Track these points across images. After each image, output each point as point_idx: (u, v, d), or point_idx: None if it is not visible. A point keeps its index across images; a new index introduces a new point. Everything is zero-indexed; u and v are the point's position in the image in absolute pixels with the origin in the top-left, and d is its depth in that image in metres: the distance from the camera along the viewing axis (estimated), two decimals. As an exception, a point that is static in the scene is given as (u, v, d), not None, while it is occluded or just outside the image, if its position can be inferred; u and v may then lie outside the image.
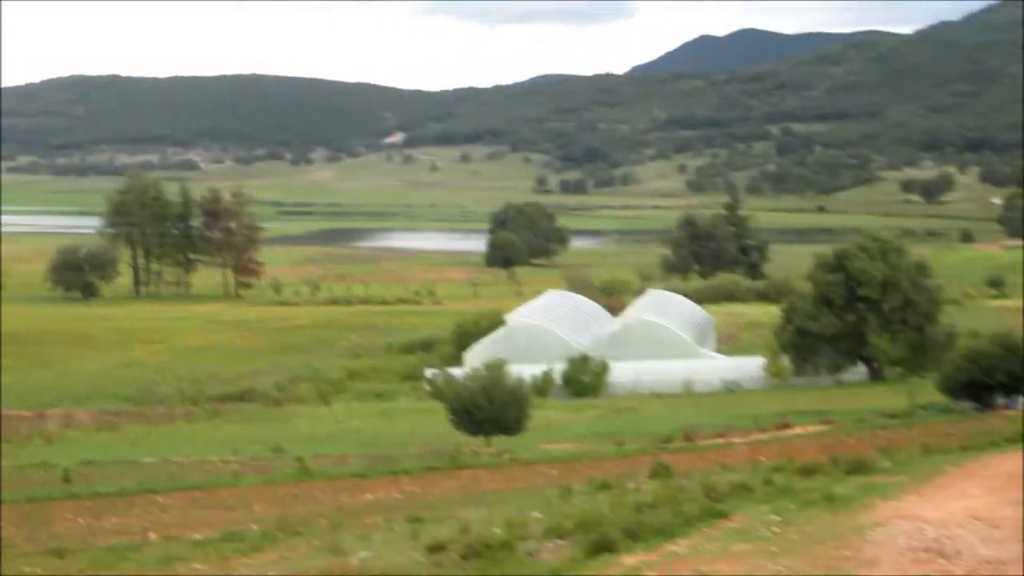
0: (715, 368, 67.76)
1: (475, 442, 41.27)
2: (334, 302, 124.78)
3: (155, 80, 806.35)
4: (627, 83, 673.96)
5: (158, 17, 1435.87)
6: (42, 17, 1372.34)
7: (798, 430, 39.89)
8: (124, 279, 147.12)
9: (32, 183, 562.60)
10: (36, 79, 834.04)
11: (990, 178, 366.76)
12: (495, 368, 43.56)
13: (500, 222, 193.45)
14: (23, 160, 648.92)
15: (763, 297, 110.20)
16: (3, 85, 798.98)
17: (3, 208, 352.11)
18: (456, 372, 59.52)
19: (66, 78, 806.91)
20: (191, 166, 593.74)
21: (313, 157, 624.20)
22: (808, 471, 23.66)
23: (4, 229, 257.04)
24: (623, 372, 66.84)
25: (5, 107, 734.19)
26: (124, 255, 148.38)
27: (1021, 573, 13.81)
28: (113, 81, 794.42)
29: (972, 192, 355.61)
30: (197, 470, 37.41)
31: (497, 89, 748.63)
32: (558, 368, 66.51)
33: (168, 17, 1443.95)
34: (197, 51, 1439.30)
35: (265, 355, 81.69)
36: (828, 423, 41.27)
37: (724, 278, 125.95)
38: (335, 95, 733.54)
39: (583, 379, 66.28)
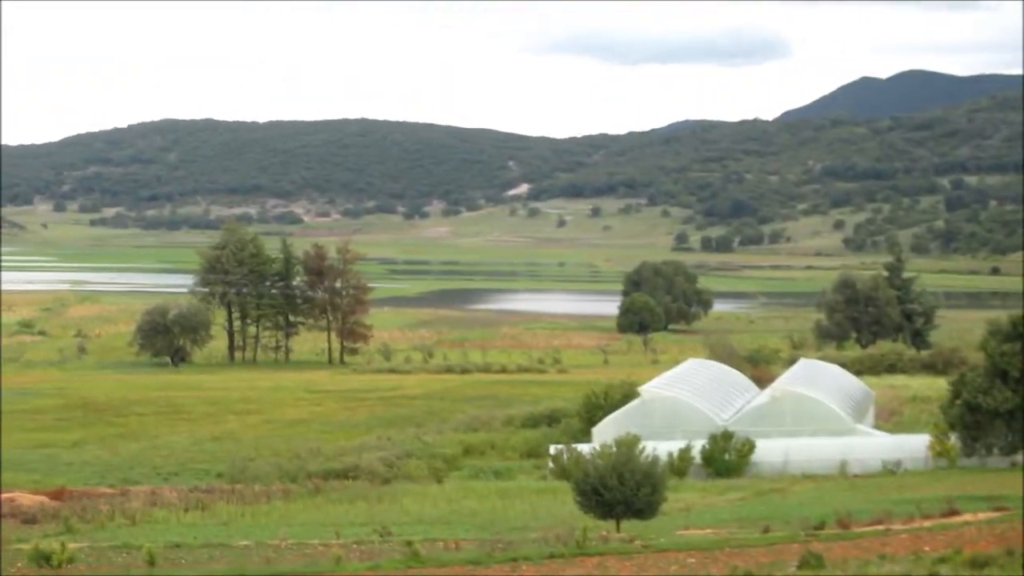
0: (874, 447, 67.19)
1: (604, 526, 41.42)
2: (449, 370, 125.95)
3: (254, 125, 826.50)
4: (778, 129, 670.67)
5: (257, 56, 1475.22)
6: (131, 56, 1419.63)
7: (967, 517, 39.37)
8: (218, 343, 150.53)
9: (118, 237, 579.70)
10: (124, 123, 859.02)
11: None
12: (627, 444, 43.82)
13: (634, 283, 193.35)
14: (109, 212, 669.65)
15: (929, 368, 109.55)
16: (90, 129, 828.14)
17: (88, 264, 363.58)
18: (583, 449, 59.72)
19: (157, 122, 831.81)
20: (293, 219, 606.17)
21: (428, 210, 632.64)
22: (978, 563, 23.46)
23: (88, 287, 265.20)
24: (770, 450, 66.65)
25: (90, 154, 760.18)
26: (218, 317, 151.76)
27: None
28: (208, 125, 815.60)
29: None
30: (295, 555, 37.99)
31: (632, 136, 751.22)
32: (697, 445, 66.56)
33: (267, 56, 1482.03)
34: (300, 93, 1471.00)
35: (372, 428, 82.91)
36: (1001, 510, 40.63)
37: (885, 347, 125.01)
38: (453, 142, 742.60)
39: (725, 458, 66.27)
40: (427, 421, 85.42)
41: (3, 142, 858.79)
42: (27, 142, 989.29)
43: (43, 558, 34.45)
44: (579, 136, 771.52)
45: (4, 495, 57.07)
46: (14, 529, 48.11)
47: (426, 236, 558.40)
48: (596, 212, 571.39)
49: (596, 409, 76.12)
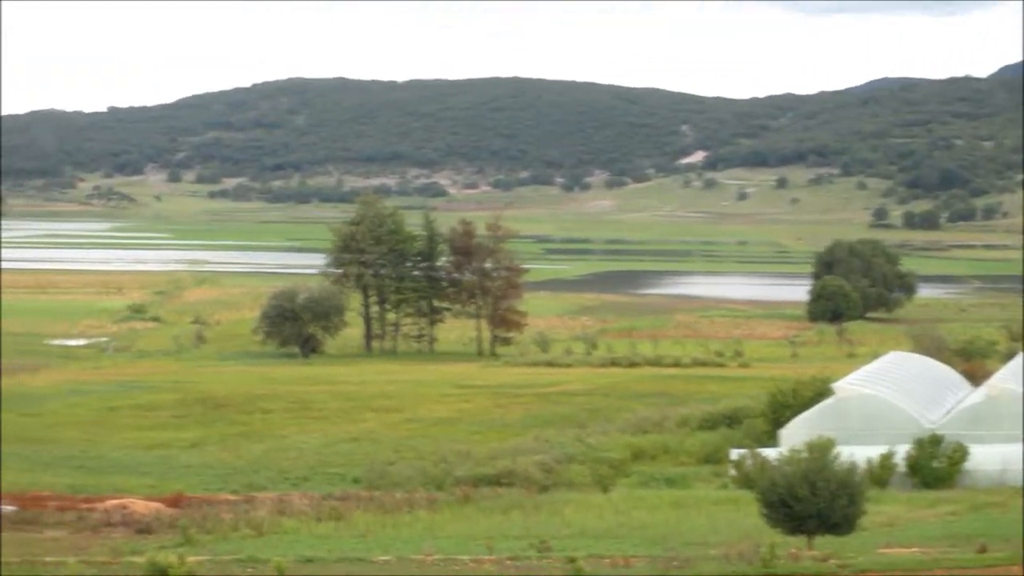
0: (1112, 454, 65.82)
1: (793, 543, 41.30)
2: (614, 363, 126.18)
3: (392, 84, 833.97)
4: (993, 88, 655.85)
5: (394, 9, 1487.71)
6: (254, 8, 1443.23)
7: None
8: (353, 331, 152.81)
9: (241, 211, 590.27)
10: (247, 83, 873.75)
11: None
12: (820, 449, 43.54)
13: (826, 265, 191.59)
14: (230, 183, 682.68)
15: None
16: (209, 90, 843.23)
17: (206, 242, 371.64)
18: (769, 454, 59.54)
19: (284, 81, 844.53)
20: (437, 191, 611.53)
21: (590, 181, 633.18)
22: None
23: (207, 267, 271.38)
24: (986, 457, 65.78)
25: (209, 117, 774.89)
26: (353, 302, 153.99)
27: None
28: (340, 85, 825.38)
29: None
30: (442, 571, 38.53)
31: (824, 96, 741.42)
32: (901, 451, 66.04)
33: (406, 8, 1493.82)
34: (444, 50, 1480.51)
35: (527, 428, 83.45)
36: None
37: None
38: (619, 104, 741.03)
39: (933, 465, 65.68)
40: (590, 421, 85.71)
41: (112, 104, 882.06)
42: (138, 103, 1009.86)
43: (159, 572, 35.05)
44: (762, 97, 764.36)
45: (115, 502, 58.64)
46: (126, 540, 49.43)
47: (587, 210, 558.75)
48: (782, 183, 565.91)
49: (784, 409, 75.73)
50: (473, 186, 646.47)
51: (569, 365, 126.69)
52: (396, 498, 60.60)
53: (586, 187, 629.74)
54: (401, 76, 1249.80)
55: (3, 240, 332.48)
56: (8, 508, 56.62)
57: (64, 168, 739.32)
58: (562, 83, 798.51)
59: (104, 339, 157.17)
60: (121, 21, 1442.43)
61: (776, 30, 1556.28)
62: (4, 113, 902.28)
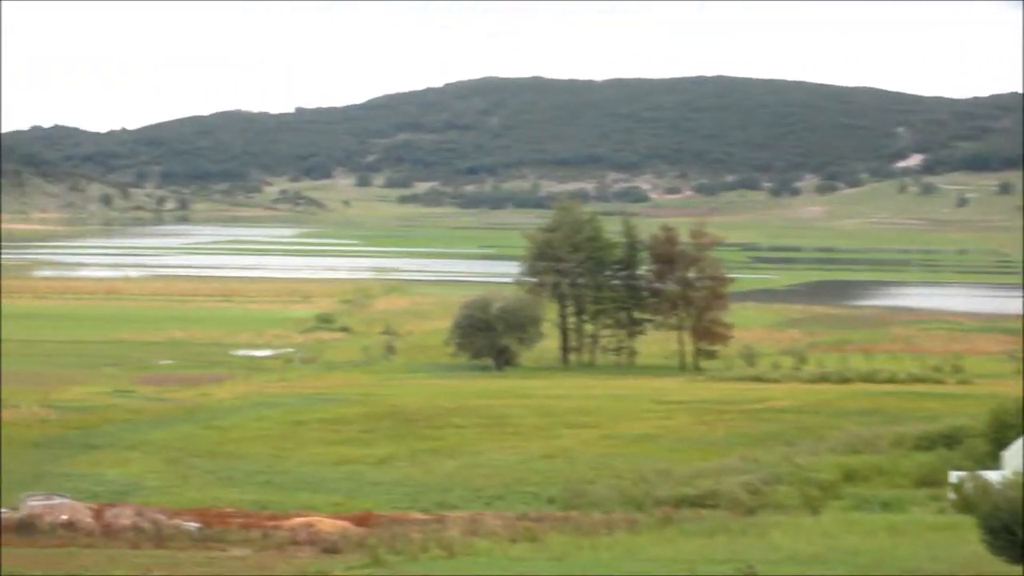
0: None
1: (1017, 572, 40.57)
2: (824, 379, 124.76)
3: (590, 84, 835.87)
4: None
5: (591, 6, 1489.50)
6: (448, 10, 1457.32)
7: None
8: (549, 343, 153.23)
9: (432, 217, 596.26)
10: (438, 83, 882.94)
11: None
12: (1050, 473, 42.66)
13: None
14: (420, 187, 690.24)
15: None
16: (400, 90, 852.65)
17: (396, 249, 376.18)
18: (992, 476, 58.51)
19: (477, 81, 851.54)
20: (638, 196, 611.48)
21: (799, 186, 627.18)
22: None
23: (397, 275, 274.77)
24: None
25: (400, 118, 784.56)
26: (550, 312, 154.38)
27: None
28: (536, 85, 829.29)
29: None
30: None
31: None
32: None
33: (604, 6, 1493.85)
34: (644, 47, 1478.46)
35: (732, 447, 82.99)
36: None
37: None
38: (830, 104, 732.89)
39: None
40: (799, 440, 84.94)
41: (300, 104, 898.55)
42: (326, 104, 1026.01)
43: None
44: (985, 96, 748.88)
45: (301, 519, 59.63)
46: (313, 560, 50.34)
47: (796, 217, 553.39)
48: (1005, 188, 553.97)
49: (1007, 429, 74.26)
50: (675, 191, 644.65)
51: (777, 380, 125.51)
52: (593, 519, 60.64)
53: (795, 192, 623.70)
54: (600, 75, 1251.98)
55: (188, 246, 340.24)
56: (192, 524, 57.98)
57: (250, 171, 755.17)
58: (771, 82, 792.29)
59: (290, 349, 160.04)
60: (309, 21, 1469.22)
61: (999, 22, 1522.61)
62: (189, 114, 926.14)
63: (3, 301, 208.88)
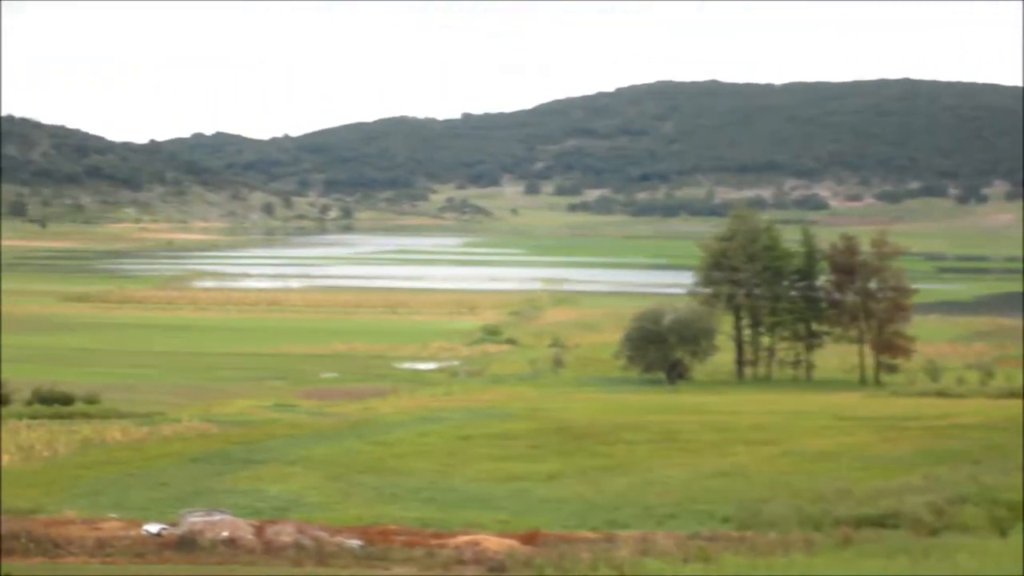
0: None
1: None
2: (1013, 394, 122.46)
3: (768, 88, 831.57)
4: None
5: (769, 7, 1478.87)
6: (619, 6, 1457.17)
7: None
8: (723, 356, 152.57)
9: (602, 225, 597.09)
10: (610, 87, 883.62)
11: None
12: None
13: None
14: (591, 194, 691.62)
15: None
16: (570, 95, 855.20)
17: (565, 259, 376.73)
18: None
19: (651, 85, 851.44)
20: (817, 204, 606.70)
21: (987, 193, 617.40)
22: None
23: (566, 286, 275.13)
24: None
25: (570, 124, 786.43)
26: (724, 324, 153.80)
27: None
28: (712, 89, 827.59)
29: None
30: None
31: None
32: None
33: (781, 7, 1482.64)
34: (824, 49, 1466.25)
35: (915, 465, 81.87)
36: None
37: None
38: (1021, 107, 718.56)
39: None
40: (986, 458, 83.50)
41: (467, 110, 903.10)
42: (494, 110, 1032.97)
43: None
44: None
45: (466, 538, 59.92)
46: (479, 579, 50.61)
47: (985, 225, 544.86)
48: None
49: None
50: (856, 198, 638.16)
51: (962, 396, 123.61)
52: (769, 539, 60.22)
53: (983, 199, 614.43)
54: (779, 78, 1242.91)
55: (352, 256, 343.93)
56: (354, 542, 58.58)
57: (416, 179, 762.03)
58: (959, 85, 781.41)
59: (456, 362, 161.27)
60: (475, 25, 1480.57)
61: None
62: (354, 121, 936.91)
63: (163, 313, 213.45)
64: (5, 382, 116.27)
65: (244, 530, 60.25)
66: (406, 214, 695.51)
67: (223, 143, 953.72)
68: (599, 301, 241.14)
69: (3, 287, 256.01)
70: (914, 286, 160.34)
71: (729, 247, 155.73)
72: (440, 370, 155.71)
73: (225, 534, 59.01)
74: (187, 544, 57.46)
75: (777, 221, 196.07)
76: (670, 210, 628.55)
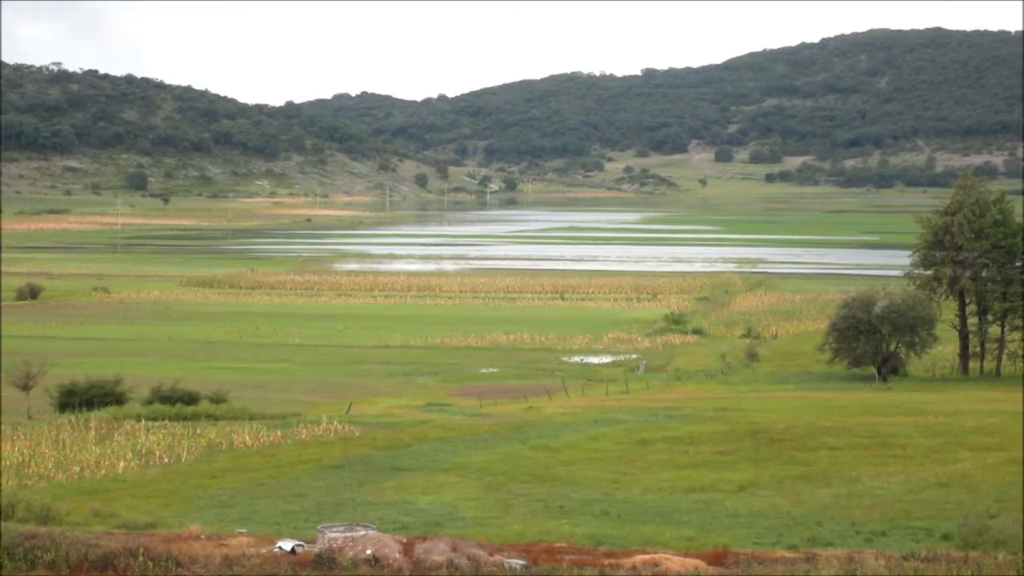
0: None
1: None
2: None
3: (1000, 35, 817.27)
4: None
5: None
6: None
7: None
8: (945, 349, 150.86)
9: (806, 198, 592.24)
10: (814, 37, 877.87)
11: None
12: None
13: None
14: (792, 162, 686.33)
15: None
16: (768, 46, 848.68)
17: (762, 236, 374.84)
18: None
19: (862, 34, 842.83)
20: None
21: None
22: None
23: (762, 268, 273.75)
24: None
25: (767, 80, 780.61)
26: (946, 311, 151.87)
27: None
28: (935, 39, 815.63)
29: None
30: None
31: None
32: None
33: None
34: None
35: None
36: None
37: None
38: None
39: None
40: None
41: (648, 66, 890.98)
42: (680, 64, 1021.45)
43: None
44: None
45: (645, 557, 59.94)
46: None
47: None
48: None
49: None
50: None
51: None
52: (997, 561, 59.59)
53: None
54: (1013, 24, 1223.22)
55: (516, 234, 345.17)
56: (516, 562, 58.81)
57: (589, 145, 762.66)
58: None
59: (634, 356, 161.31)
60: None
61: None
62: (519, 79, 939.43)
63: (299, 299, 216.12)
64: (122, 380, 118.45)
65: (390, 547, 60.71)
66: (578, 185, 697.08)
67: (370, 105, 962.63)
68: (800, 285, 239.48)
69: (120, 270, 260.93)
70: None
71: (952, 222, 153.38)
72: (616, 364, 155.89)
73: (369, 552, 59.51)
74: (325, 563, 58.05)
75: (1010, 192, 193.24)
76: (884, 180, 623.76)
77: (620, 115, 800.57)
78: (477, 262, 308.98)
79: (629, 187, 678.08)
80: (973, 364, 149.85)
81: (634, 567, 58.30)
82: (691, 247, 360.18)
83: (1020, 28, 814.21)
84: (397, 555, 59.87)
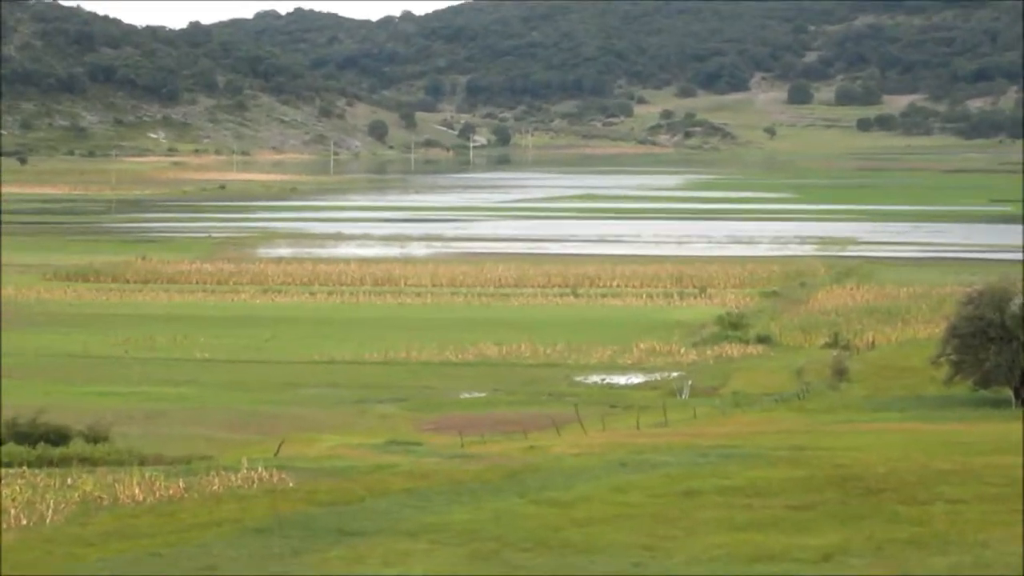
0: None
1: None
2: None
3: None
4: None
5: None
6: None
7: None
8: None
9: (913, 153, 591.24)
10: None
11: None
12: None
13: None
14: (896, 103, 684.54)
15: None
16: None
17: (852, 207, 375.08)
18: None
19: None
20: None
21: None
22: None
23: (851, 251, 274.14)
24: None
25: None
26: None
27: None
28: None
29: None
30: None
31: None
32: None
33: None
34: None
35: None
36: None
37: None
38: None
39: None
40: None
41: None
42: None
43: None
44: None
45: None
46: None
47: None
48: None
49: None
50: None
51: None
52: None
53: None
54: None
55: (511, 205, 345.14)
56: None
57: (612, 81, 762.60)
58: None
59: (675, 374, 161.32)
60: None
61: None
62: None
63: (209, 297, 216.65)
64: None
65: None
66: (596, 137, 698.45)
67: (306, 27, 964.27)
68: (906, 274, 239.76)
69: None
70: None
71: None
72: (650, 386, 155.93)
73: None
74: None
75: None
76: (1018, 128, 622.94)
77: (655, 39, 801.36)
78: (457, 245, 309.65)
79: (668, 139, 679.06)
80: None
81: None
82: (754, 222, 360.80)
83: None
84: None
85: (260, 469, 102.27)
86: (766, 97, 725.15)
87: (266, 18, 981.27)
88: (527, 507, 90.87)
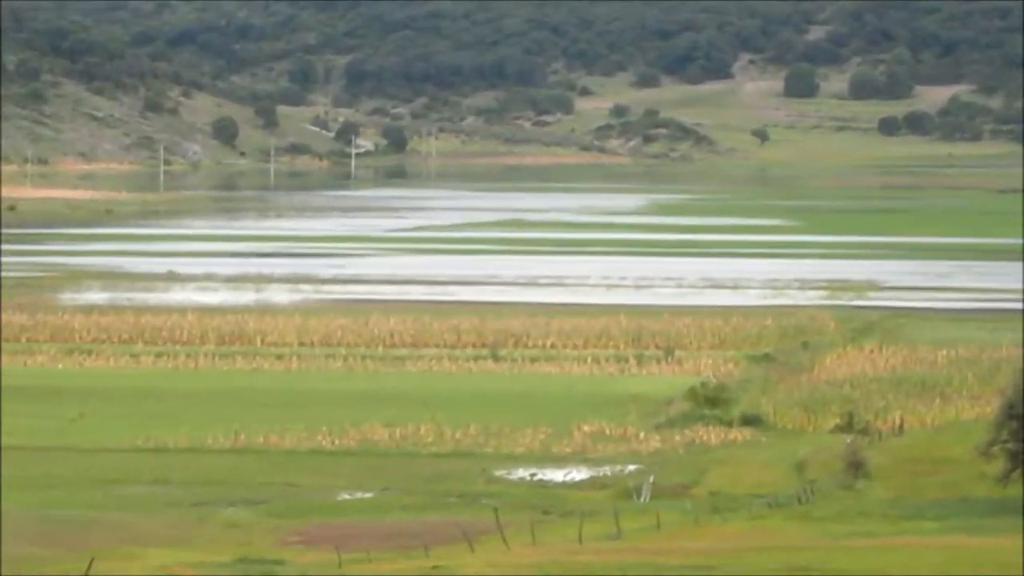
0: None
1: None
2: None
3: None
4: None
5: None
6: None
7: None
8: None
9: (956, 164, 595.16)
10: None
11: None
12: None
13: None
14: (930, 96, 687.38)
15: None
16: None
17: (878, 239, 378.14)
18: None
19: None
20: None
21: None
22: None
23: (881, 298, 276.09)
24: None
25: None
26: None
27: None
28: None
29: None
30: None
31: None
32: None
33: None
34: None
35: None
36: None
37: None
38: None
39: None
40: None
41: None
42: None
43: None
44: None
45: None
46: None
47: None
48: None
49: None
50: None
51: None
52: None
53: None
54: None
55: (407, 236, 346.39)
56: None
57: (542, 64, 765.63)
58: None
59: (631, 468, 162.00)
60: None
61: None
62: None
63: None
64: None
65: None
66: (524, 142, 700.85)
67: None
68: (945, 332, 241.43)
69: None
70: None
71: None
72: (597, 484, 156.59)
73: None
74: None
75: None
76: None
77: (603, 9, 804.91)
78: (334, 289, 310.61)
79: (621, 145, 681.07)
80: None
81: None
82: (740, 259, 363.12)
83: None
84: None
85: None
86: (755, 88, 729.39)
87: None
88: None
